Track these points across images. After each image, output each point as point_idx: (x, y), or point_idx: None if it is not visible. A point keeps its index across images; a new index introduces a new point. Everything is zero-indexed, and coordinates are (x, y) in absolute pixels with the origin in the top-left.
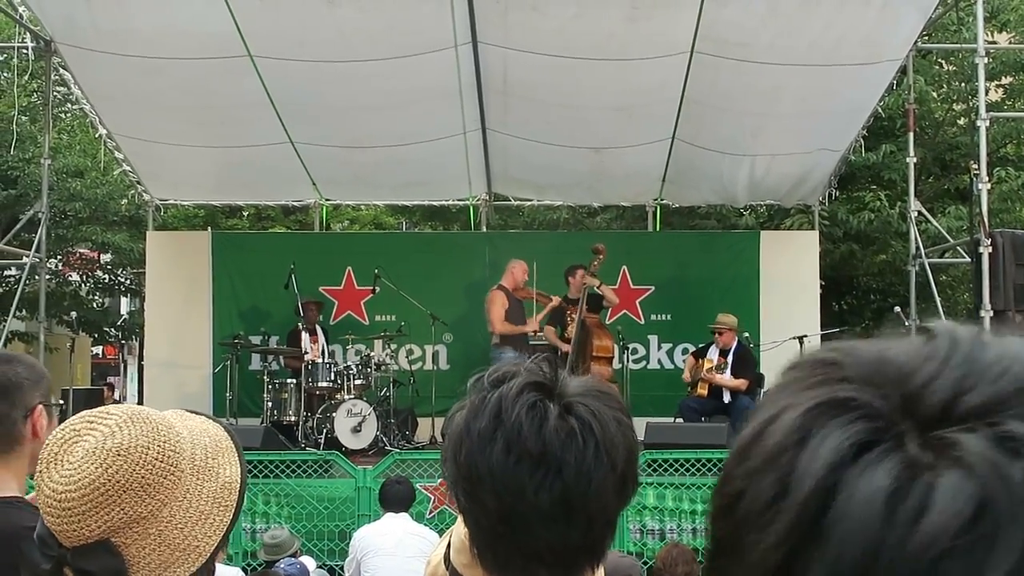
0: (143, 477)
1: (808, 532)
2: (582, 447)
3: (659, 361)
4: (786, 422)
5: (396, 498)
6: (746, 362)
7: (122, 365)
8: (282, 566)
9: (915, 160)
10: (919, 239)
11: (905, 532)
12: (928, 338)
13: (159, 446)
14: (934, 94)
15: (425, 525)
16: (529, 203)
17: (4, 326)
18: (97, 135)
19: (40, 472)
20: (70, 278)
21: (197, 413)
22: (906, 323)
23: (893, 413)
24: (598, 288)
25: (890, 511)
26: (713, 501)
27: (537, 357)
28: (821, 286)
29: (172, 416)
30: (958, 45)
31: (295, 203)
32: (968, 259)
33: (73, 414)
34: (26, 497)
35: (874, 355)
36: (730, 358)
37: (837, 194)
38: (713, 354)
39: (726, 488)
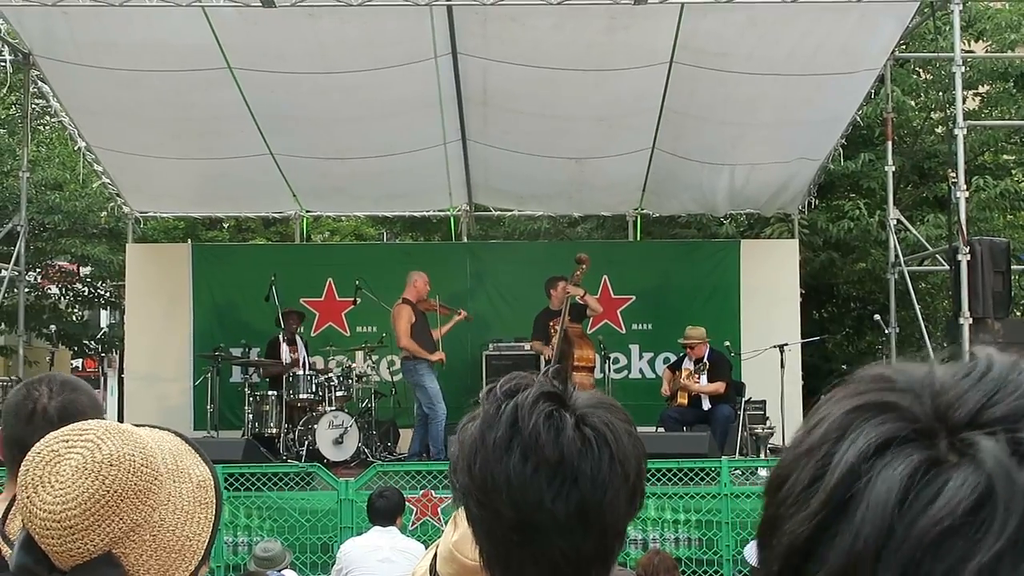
0: (135, 484)
1: (836, 509)
2: (598, 457)
3: (640, 370)
4: (831, 419)
5: (381, 512)
6: (721, 366)
7: (102, 378)
8: None
9: (893, 169)
10: (898, 247)
11: (917, 514)
12: (971, 360)
13: (141, 453)
14: (912, 103)
15: (409, 537)
16: (510, 213)
17: None
18: (76, 148)
19: (28, 497)
20: (49, 291)
21: (141, 425)
22: (886, 331)
23: (927, 417)
24: (582, 298)
25: (904, 496)
26: (766, 484)
27: (547, 370)
28: (801, 294)
29: (128, 426)
30: (935, 54)
31: (275, 215)
32: (947, 267)
33: None
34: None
35: (922, 372)
36: (705, 364)
37: (817, 203)
38: (688, 364)
39: (776, 471)
